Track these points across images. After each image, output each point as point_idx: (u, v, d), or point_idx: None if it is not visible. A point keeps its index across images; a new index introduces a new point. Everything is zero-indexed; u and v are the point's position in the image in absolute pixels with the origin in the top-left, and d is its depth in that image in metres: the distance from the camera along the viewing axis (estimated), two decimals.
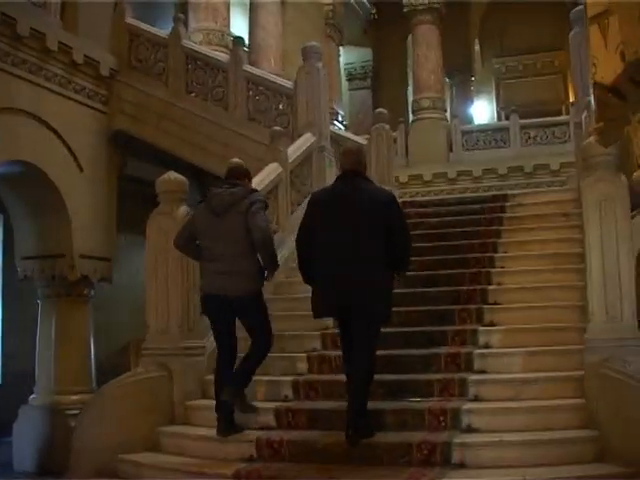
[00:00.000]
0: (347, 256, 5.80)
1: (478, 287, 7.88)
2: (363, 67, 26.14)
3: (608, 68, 2.52)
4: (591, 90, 2.52)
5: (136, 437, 6.68)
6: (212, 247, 6.34)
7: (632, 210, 6.36)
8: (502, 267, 8.34)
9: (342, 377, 6.30)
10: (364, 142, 12.47)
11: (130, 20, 12.59)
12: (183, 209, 7.29)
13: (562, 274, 7.90)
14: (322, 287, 5.97)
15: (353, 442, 5.71)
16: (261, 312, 6.45)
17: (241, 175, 6.63)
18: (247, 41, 17.98)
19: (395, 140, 17.92)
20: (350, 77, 26.15)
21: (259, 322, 6.41)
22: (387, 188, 7.77)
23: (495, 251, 8.70)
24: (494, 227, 9.30)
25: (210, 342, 7.51)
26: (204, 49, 12.70)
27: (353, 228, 5.82)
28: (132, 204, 11.58)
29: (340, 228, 5.85)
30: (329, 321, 7.67)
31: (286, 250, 8.75)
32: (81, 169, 11.41)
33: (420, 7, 20.22)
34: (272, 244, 6.45)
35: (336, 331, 6.84)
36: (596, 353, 6.04)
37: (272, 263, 6.44)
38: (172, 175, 7.44)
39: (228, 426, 6.32)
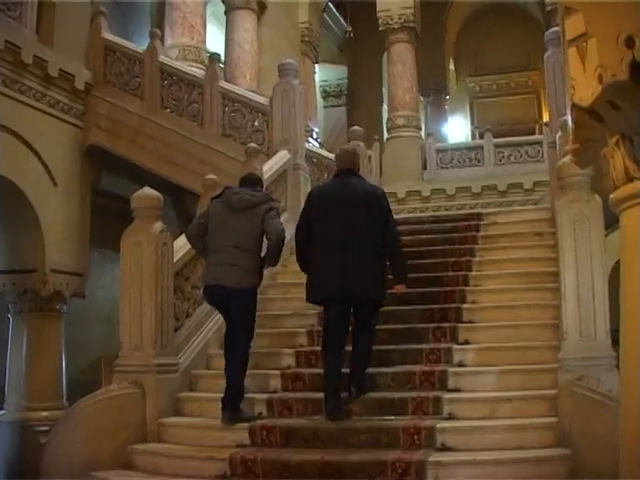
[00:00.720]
0: (346, 244, 6.38)
1: (453, 305, 7.91)
2: (338, 85, 26.22)
3: (586, 90, 2.54)
4: (569, 111, 2.54)
5: (108, 455, 6.62)
6: (220, 238, 6.81)
7: (606, 229, 6.43)
8: (476, 285, 8.37)
9: (317, 395, 6.56)
10: None
11: (106, 35, 12.58)
12: (158, 225, 7.26)
13: (536, 293, 7.94)
14: (322, 274, 6.45)
15: (356, 398, 6.47)
16: (249, 307, 6.83)
17: (258, 183, 7.32)
18: (223, 57, 18.01)
19: (370, 158, 17.96)
20: (325, 95, 26.23)
21: (243, 315, 6.78)
22: None
23: (469, 270, 8.73)
24: (468, 245, 9.32)
25: (184, 358, 7.52)
26: (180, 65, 12.71)
27: (350, 219, 6.43)
28: (107, 219, 11.53)
29: (338, 219, 6.44)
30: (303, 339, 7.73)
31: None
32: (55, 183, 11.35)
33: (395, 26, 20.28)
34: (281, 247, 6.92)
35: (310, 349, 7.44)
36: (570, 372, 6.08)
37: (275, 260, 6.98)
38: (147, 191, 7.42)
39: (232, 417, 6.60)
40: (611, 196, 2.83)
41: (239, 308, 6.77)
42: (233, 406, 6.65)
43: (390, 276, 6.73)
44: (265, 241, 6.94)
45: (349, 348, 6.64)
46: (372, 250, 6.45)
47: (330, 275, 6.40)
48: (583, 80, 2.54)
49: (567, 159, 5.42)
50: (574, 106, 2.63)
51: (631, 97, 2.55)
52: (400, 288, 6.74)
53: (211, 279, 6.84)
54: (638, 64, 2.45)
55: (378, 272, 6.51)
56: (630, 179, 2.72)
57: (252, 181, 7.26)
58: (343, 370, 6.51)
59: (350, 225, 6.43)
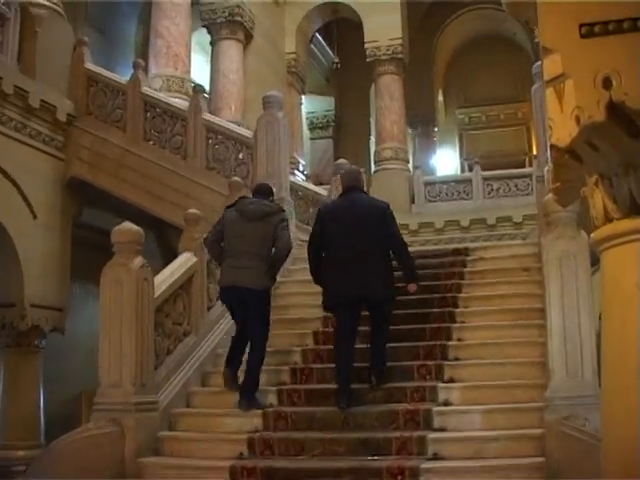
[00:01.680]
0: (357, 254, 7.14)
1: (438, 342, 7.90)
2: (325, 116, 26.34)
3: (564, 131, 2.57)
4: (548, 152, 2.59)
5: None
6: (236, 244, 7.52)
7: (592, 266, 6.47)
8: (463, 322, 8.38)
9: (298, 434, 6.67)
10: (324, 192, 12.57)
11: (89, 65, 12.64)
12: (138, 260, 7.25)
13: (523, 330, 7.96)
14: (336, 284, 7.22)
15: (376, 387, 7.22)
16: (265, 307, 7.57)
17: (270, 193, 8.02)
18: (208, 88, 18.09)
19: None
20: (312, 126, 26.34)
21: (260, 314, 7.50)
22: None
23: (456, 306, 8.74)
24: (455, 281, 9.34)
25: (165, 396, 7.49)
26: (163, 96, 12.78)
27: (359, 231, 7.22)
28: (88, 252, 11.52)
29: (348, 232, 7.22)
30: (286, 377, 7.71)
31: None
32: (35, 216, 11.35)
33: (383, 57, 20.41)
34: (287, 257, 7.80)
35: (293, 387, 7.61)
36: (556, 411, 6.09)
37: (276, 270, 7.74)
38: (127, 225, 7.42)
39: (247, 403, 7.26)
40: (591, 236, 2.86)
41: (257, 307, 7.48)
42: (249, 395, 7.31)
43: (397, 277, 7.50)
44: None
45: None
46: (380, 257, 7.29)
47: (343, 283, 7.17)
48: (560, 121, 2.58)
49: (550, 197, 5.47)
50: (552, 146, 2.66)
51: (609, 138, 2.58)
52: (412, 287, 7.50)
53: (229, 281, 7.50)
54: (615, 105, 2.49)
55: (386, 275, 7.31)
56: (609, 219, 2.75)
57: (265, 191, 8.00)
58: (361, 364, 7.27)
59: (359, 236, 7.21)
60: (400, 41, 20.48)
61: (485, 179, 19.67)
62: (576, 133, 2.51)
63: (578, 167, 2.81)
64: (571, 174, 2.89)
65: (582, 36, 2.59)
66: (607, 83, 2.50)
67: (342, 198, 7.66)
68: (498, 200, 19.21)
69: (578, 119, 2.51)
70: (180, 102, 12.82)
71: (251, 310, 7.49)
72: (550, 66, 2.59)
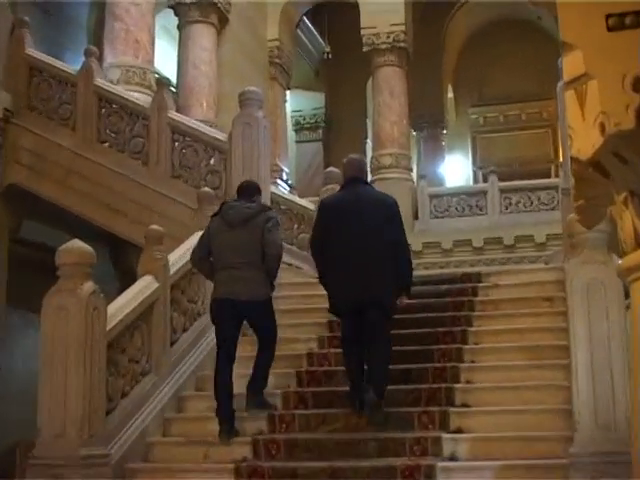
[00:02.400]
0: (360, 254, 7.59)
1: (443, 385, 7.92)
2: (314, 115, 26.43)
3: (586, 141, 2.60)
4: (569, 165, 2.61)
5: None
6: (225, 257, 7.94)
7: (626, 297, 6.50)
8: (472, 361, 8.42)
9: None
10: (312, 206, 12.59)
11: (31, 51, 12.64)
12: (88, 286, 7.20)
13: (544, 371, 7.99)
14: (339, 286, 7.74)
15: (372, 421, 7.47)
16: (270, 317, 8.18)
17: (255, 191, 8.39)
18: (175, 81, 18.14)
19: None
20: (298, 127, 26.42)
21: (267, 326, 8.15)
22: None
23: (464, 342, 8.78)
24: (464, 313, 9.38)
25: (117, 448, 7.47)
26: (121, 90, 12.80)
27: (363, 228, 7.65)
28: (27, 274, 11.50)
29: (352, 229, 7.66)
30: (263, 425, 7.73)
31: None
32: None
33: (383, 46, 20.45)
34: (280, 261, 8.18)
35: (271, 436, 7.70)
36: (583, 470, 6.10)
37: (274, 274, 8.14)
38: (76, 244, 7.40)
39: (231, 431, 7.68)
40: (619, 263, 2.88)
41: (260, 320, 8.11)
42: (258, 397, 7.97)
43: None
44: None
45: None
46: (386, 258, 7.65)
47: (345, 287, 7.68)
48: (582, 129, 2.61)
49: (573, 217, 5.52)
50: (573, 159, 2.69)
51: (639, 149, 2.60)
52: (403, 300, 7.86)
53: (224, 293, 7.88)
54: None
55: (392, 279, 7.70)
56: None
57: (249, 190, 8.36)
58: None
59: (363, 234, 7.65)
60: (402, 27, 20.54)
61: (502, 191, 19.74)
62: (600, 143, 2.54)
63: (604, 182, 2.83)
64: (596, 190, 2.91)
65: (609, 29, 2.61)
66: (638, 85, 2.52)
67: (344, 191, 8.08)
68: (517, 216, 19.28)
69: (603, 127, 2.54)
70: (141, 97, 12.85)
71: (253, 320, 8.16)
72: (571, 65, 2.62)
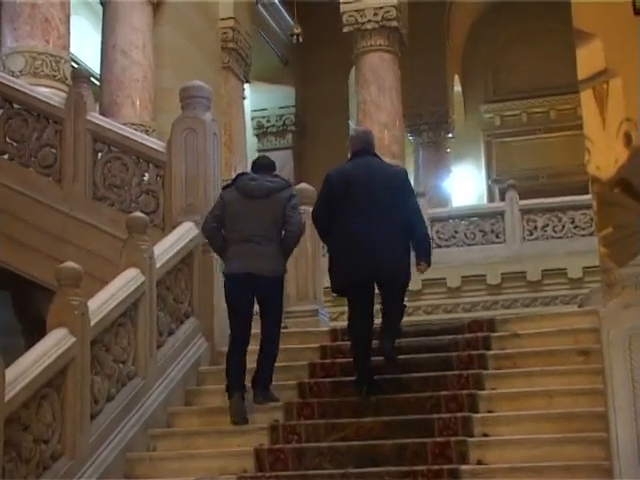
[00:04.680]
0: (372, 226, 9.17)
1: (445, 467, 7.91)
2: (281, 117, 26.51)
3: (606, 155, 2.64)
4: (590, 185, 2.61)
5: None
6: (244, 228, 9.39)
7: None
8: (484, 435, 8.40)
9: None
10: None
11: None
12: None
13: (578, 446, 7.97)
14: (348, 258, 9.28)
15: (391, 370, 9.35)
16: (281, 297, 9.78)
17: (273, 166, 9.96)
18: (98, 72, 18.10)
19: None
20: (261, 131, 26.46)
21: (278, 306, 9.70)
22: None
23: (474, 409, 8.76)
24: (473, 371, 9.37)
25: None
26: (25, 84, 12.74)
27: (375, 199, 9.24)
28: None
29: (363, 200, 9.22)
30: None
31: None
32: None
33: (369, 26, 20.47)
34: (299, 241, 9.94)
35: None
36: None
37: (290, 253, 9.87)
38: None
39: (244, 414, 9.14)
40: None
41: (272, 296, 9.53)
42: (265, 387, 9.41)
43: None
44: None
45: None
46: (399, 230, 9.29)
47: (358, 256, 9.20)
48: (602, 141, 2.64)
49: (601, 250, 5.52)
50: (593, 178, 2.71)
51: None
52: (423, 268, 9.62)
53: (239, 267, 9.34)
54: None
55: (405, 252, 9.43)
56: None
57: (268, 165, 9.91)
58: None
59: (375, 206, 9.22)
60: (394, 1, 20.66)
61: (525, 211, 19.77)
62: (625, 159, 2.56)
63: (636, 206, 2.85)
64: (625, 216, 2.93)
65: (637, 12, 2.64)
66: None
67: (354, 162, 9.67)
68: (545, 244, 19.35)
69: (628, 137, 2.56)
70: (53, 94, 12.82)
71: (269, 300, 9.54)
72: (588, 59, 2.65)
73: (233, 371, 9.31)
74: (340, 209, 9.33)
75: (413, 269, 9.65)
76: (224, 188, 9.89)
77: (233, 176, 19.48)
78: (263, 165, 9.91)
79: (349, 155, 9.83)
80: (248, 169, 22.49)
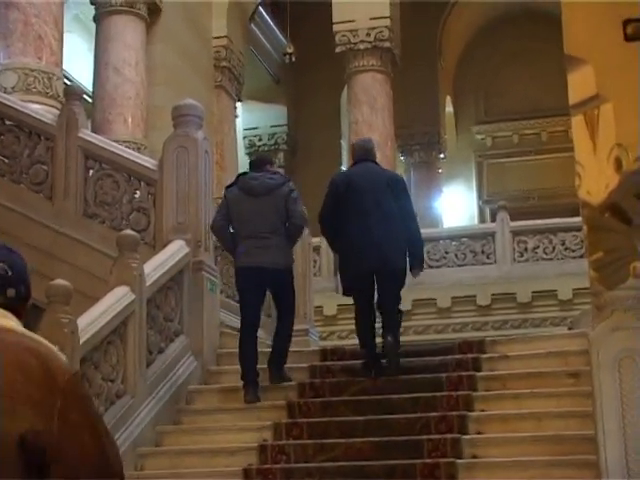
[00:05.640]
0: (378, 226, 10.03)
1: None
2: (273, 135, 26.52)
3: (598, 181, 2.66)
4: (580, 209, 2.63)
5: None
6: (251, 225, 10.10)
7: None
8: (474, 456, 8.41)
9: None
10: None
11: None
12: None
13: (568, 470, 7.98)
14: (356, 254, 10.15)
15: (395, 369, 9.89)
16: (292, 284, 10.48)
17: (270, 163, 10.90)
18: (91, 89, 18.11)
19: (318, 250, 18.11)
20: (253, 150, 26.42)
21: (291, 292, 10.43)
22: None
23: (463, 431, 8.77)
24: (463, 392, 9.37)
25: None
26: (17, 101, 12.72)
27: (379, 201, 10.14)
28: None
29: (368, 201, 10.11)
30: None
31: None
32: None
33: (362, 46, 20.47)
34: (302, 232, 10.96)
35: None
36: None
37: (294, 243, 10.75)
38: None
39: (256, 393, 9.79)
40: None
41: (284, 288, 10.36)
42: (280, 368, 10.16)
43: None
44: None
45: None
46: (398, 231, 10.17)
47: (364, 252, 10.04)
48: (593, 166, 2.66)
49: (591, 274, 5.54)
50: (584, 203, 2.74)
51: None
52: (415, 274, 10.59)
53: (251, 261, 10.04)
54: None
55: (404, 253, 10.33)
56: None
57: (264, 162, 10.72)
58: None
59: (378, 207, 10.12)
60: (387, 22, 20.69)
61: (516, 233, 19.79)
62: (616, 184, 2.58)
63: (625, 230, 2.87)
64: (614, 241, 2.96)
65: (627, 38, 2.66)
66: None
67: (356, 167, 10.71)
68: (535, 265, 19.35)
69: (619, 162, 2.58)
70: (45, 111, 12.83)
71: (282, 288, 10.38)
72: (579, 84, 2.67)
73: (247, 358, 9.95)
74: (345, 210, 10.21)
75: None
76: (227, 187, 10.57)
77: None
78: (260, 161, 10.73)
79: (351, 162, 11.07)
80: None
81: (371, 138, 12.14)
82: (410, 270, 10.51)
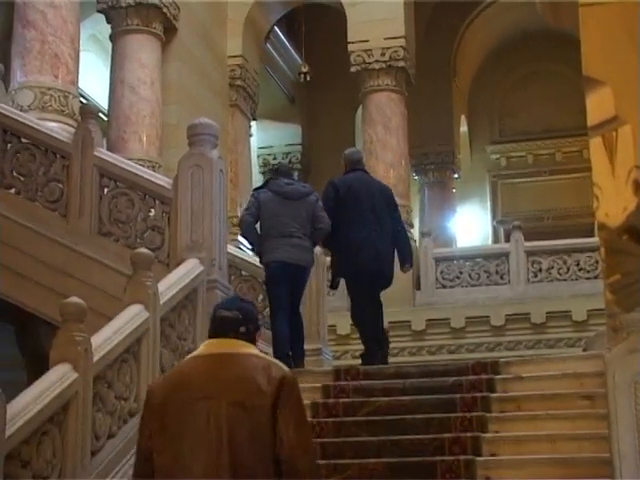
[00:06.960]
0: (374, 232, 11.44)
1: None
2: (287, 154, 26.51)
3: (616, 203, 2.64)
4: (596, 232, 2.62)
5: None
6: (284, 225, 11.25)
7: None
8: (487, 478, 8.35)
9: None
10: None
11: None
12: None
13: None
14: (355, 251, 11.44)
15: (384, 358, 11.63)
16: (307, 281, 11.81)
17: (292, 173, 12.44)
18: (106, 108, 18.13)
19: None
20: (267, 168, 26.33)
21: (304, 288, 11.73)
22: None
23: (477, 452, 8.72)
24: (476, 413, 9.34)
25: None
26: (33, 120, 12.69)
27: (373, 206, 11.54)
28: None
29: (365, 205, 11.49)
30: None
31: None
32: None
33: (376, 65, 20.46)
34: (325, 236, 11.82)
35: None
36: None
37: (315, 246, 11.75)
38: None
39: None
40: None
41: (304, 283, 11.65)
42: (300, 358, 11.30)
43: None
44: None
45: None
46: (388, 235, 11.58)
47: (362, 252, 11.36)
48: (612, 188, 2.64)
49: (608, 296, 5.52)
50: (601, 225, 2.71)
51: None
52: (406, 270, 12.13)
53: (283, 256, 11.18)
54: None
55: (393, 256, 11.78)
56: None
57: (289, 172, 12.32)
58: None
59: (373, 211, 11.50)
60: (402, 42, 20.68)
61: (530, 253, 19.76)
62: (634, 206, 2.56)
63: None
64: (632, 264, 2.93)
65: None
66: None
67: (353, 175, 11.85)
68: (549, 286, 19.30)
69: (638, 185, 2.56)
70: (61, 129, 12.83)
71: (301, 283, 11.57)
72: (597, 106, 2.65)
73: (280, 332, 11.16)
74: (344, 211, 11.50)
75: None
76: (256, 189, 11.90)
77: (239, 213, 19.86)
78: (285, 172, 12.06)
79: (344, 171, 12.13)
80: None
81: (359, 149, 14.58)
82: (401, 267, 11.97)
